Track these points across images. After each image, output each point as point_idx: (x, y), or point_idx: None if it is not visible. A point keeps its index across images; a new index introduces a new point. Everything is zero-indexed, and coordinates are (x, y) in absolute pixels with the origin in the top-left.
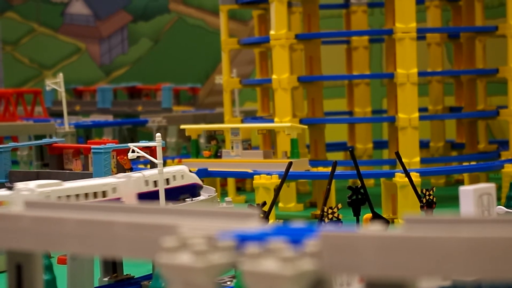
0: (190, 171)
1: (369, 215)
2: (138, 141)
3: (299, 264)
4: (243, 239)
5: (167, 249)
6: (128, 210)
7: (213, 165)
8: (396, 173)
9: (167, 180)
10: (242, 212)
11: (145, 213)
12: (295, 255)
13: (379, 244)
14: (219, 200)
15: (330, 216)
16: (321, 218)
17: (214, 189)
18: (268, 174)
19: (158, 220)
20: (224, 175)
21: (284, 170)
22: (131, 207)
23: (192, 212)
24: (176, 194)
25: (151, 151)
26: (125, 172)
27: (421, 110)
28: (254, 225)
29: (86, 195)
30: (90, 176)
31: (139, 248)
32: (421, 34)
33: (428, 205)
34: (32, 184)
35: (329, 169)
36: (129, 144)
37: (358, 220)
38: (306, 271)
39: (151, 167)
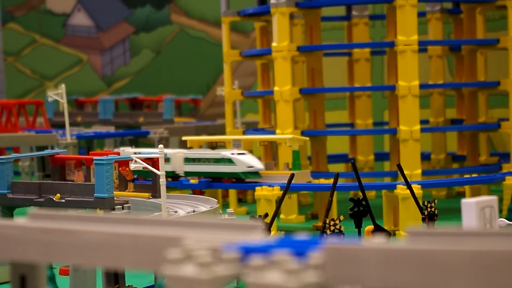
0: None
1: (371, 227)
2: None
3: (304, 276)
4: (248, 251)
5: (171, 261)
6: (132, 222)
7: None
8: (397, 185)
9: None
10: (246, 224)
11: (149, 225)
12: (299, 267)
13: (383, 257)
14: (221, 212)
15: (332, 228)
16: (323, 230)
17: (216, 200)
18: (269, 185)
19: (163, 232)
20: (226, 187)
21: (286, 181)
22: (135, 218)
23: (196, 224)
24: None
25: (153, 162)
26: (127, 184)
27: (422, 122)
28: (258, 237)
29: None
30: (92, 187)
31: (143, 260)
32: (423, 46)
33: (429, 218)
34: None
35: (330, 181)
36: (131, 155)
37: (359, 232)
38: (310, 283)
39: (152, 178)
